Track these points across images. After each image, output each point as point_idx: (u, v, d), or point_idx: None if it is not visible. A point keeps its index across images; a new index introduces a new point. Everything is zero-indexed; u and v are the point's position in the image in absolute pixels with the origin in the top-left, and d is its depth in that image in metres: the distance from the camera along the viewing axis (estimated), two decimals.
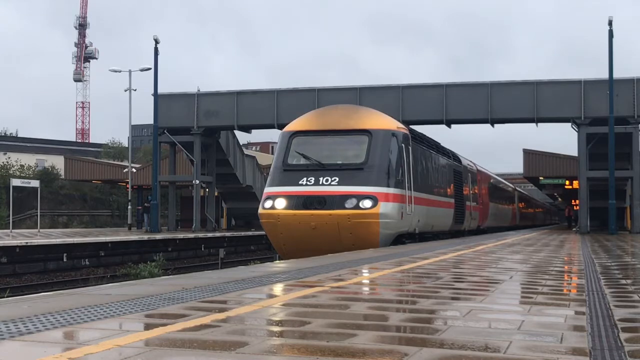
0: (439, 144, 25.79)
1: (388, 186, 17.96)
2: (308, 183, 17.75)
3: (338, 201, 17.34)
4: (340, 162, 18.19)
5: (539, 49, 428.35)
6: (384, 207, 17.49)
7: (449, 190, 25.48)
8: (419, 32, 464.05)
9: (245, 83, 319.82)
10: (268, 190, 18.41)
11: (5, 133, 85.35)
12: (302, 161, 18.37)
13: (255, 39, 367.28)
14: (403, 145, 19.17)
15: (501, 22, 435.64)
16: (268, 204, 18.00)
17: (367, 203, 17.33)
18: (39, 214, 36.03)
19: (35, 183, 31.97)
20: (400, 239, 18.97)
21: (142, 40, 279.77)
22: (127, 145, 63.04)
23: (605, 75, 30.24)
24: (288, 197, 17.73)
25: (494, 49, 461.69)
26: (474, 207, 30.60)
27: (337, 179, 17.62)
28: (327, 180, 17.67)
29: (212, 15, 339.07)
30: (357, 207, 17.27)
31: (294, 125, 19.60)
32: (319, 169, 17.92)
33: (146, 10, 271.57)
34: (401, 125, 20.18)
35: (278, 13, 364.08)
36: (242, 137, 44.20)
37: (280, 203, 17.75)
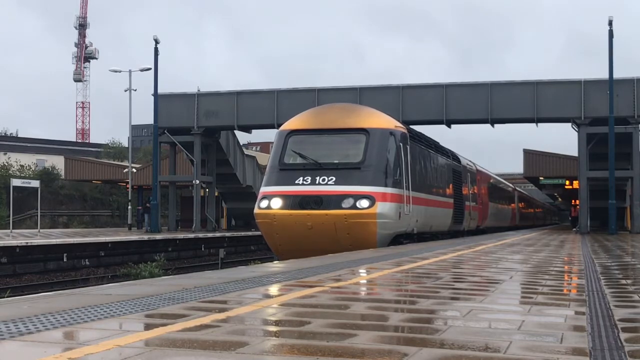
0: (438, 143, 25.75)
1: (386, 186, 17.81)
2: (304, 182, 17.58)
3: (335, 201, 17.17)
4: (337, 161, 18.00)
5: (545, 41, 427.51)
6: (381, 207, 17.35)
7: (447, 190, 25.44)
8: (421, 22, 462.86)
9: (241, 76, 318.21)
10: (264, 189, 18.24)
11: (5, 133, 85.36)
12: (299, 160, 18.16)
13: (249, 29, 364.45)
14: (401, 144, 19.05)
15: (507, 14, 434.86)
16: (264, 203, 17.83)
17: (364, 203, 17.16)
18: (39, 214, 35.99)
19: (35, 183, 31.99)
20: (398, 239, 18.84)
21: (129, 31, 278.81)
22: (127, 145, 63.03)
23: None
24: (284, 196, 17.56)
25: (500, 40, 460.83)
26: (473, 207, 30.59)
27: (334, 179, 17.45)
28: (323, 180, 17.50)
29: (201, 4, 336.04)
30: (354, 207, 17.10)
31: (290, 124, 19.43)
32: (315, 169, 17.73)
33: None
34: (399, 124, 20.06)
35: (270, 2, 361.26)
36: (242, 137, 44.26)
37: (276, 203, 17.58)
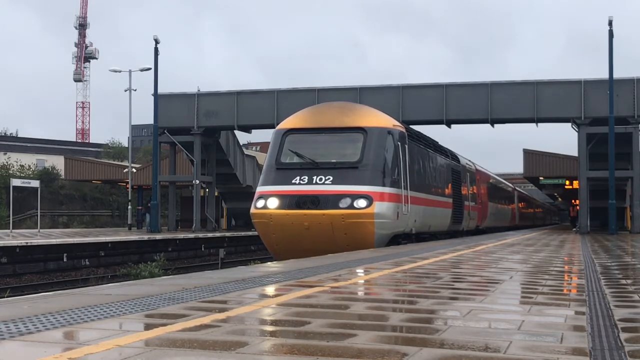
0: (437, 142, 25.68)
1: (383, 185, 17.65)
2: (301, 182, 17.39)
3: (332, 201, 17.00)
4: (334, 160, 17.83)
5: (546, 40, 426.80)
6: (379, 207, 17.20)
7: (446, 189, 25.38)
8: (422, 21, 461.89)
9: (241, 76, 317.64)
10: (260, 189, 18.04)
11: (5, 133, 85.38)
12: (296, 159, 17.99)
13: (249, 28, 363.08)
14: (399, 143, 18.91)
15: (508, 13, 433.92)
16: (260, 203, 17.66)
17: (361, 203, 16.99)
18: (39, 214, 36.01)
19: (35, 183, 31.98)
20: (397, 239, 18.73)
21: (128, 30, 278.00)
22: (127, 145, 63.04)
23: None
24: (281, 196, 17.39)
25: (501, 39, 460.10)
26: (472, 207, 30.56)
27: (331, 178, 17.28)
28: (320, 179, 17.31)
29: (200, 3, 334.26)
30: (351, 206, 16.93)
31: (287, 123, 19.24)
32: (312, 168, 17.57)
33: None
34: (397, 123, 19.92)
35: (270, 0, 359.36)
36: (242, 137, 44.28)
37: (273, 202, 17.41)
